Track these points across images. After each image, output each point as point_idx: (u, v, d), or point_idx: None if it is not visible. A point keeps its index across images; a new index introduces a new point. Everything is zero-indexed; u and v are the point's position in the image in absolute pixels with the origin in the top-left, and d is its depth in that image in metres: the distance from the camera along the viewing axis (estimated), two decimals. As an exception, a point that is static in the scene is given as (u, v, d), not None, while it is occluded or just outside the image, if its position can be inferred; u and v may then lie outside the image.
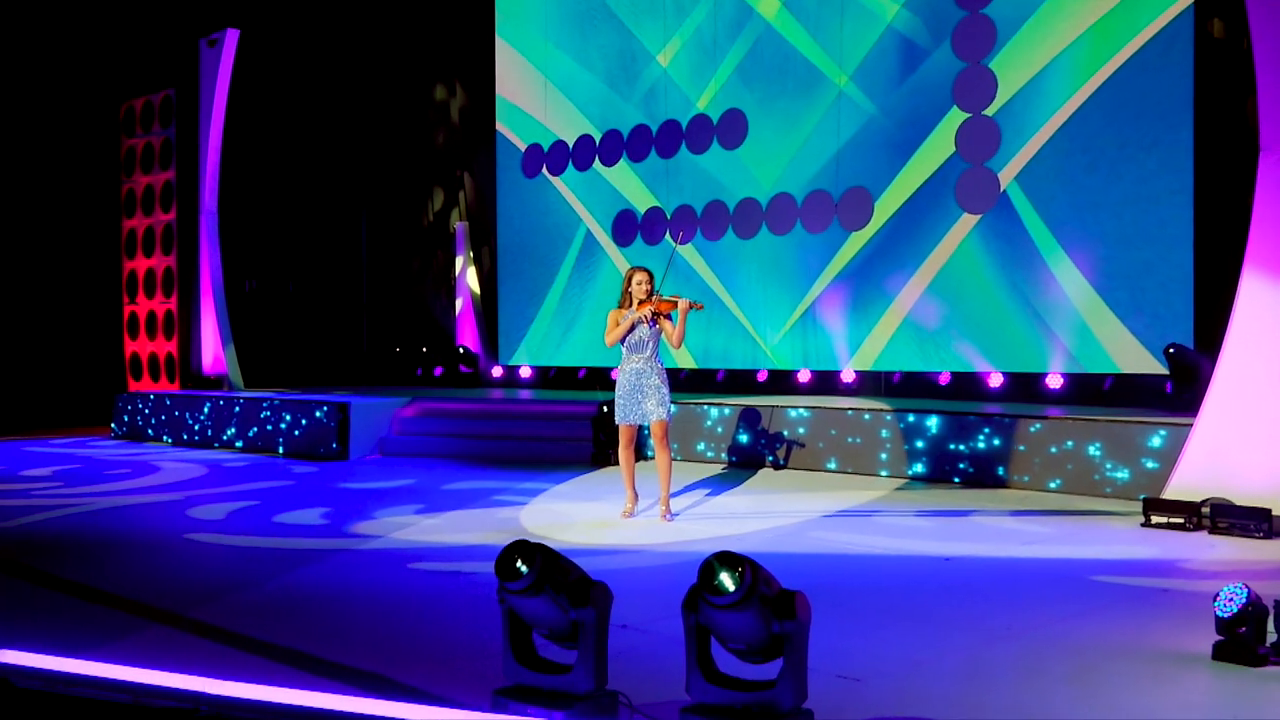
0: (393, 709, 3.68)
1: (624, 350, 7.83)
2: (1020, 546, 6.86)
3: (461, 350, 15.58)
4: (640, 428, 7.95)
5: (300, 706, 3.79)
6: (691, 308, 7.67)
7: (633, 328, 7.74)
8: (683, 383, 13.07)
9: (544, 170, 14.76)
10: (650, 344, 7.78)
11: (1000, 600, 5.53)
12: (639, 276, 7.82)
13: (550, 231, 14.74)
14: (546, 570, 3.57)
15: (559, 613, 3.60)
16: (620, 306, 7.89)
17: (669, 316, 7.78)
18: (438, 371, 16.02)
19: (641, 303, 7.74)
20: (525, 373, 15.09)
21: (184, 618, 5.22)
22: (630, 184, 13.91)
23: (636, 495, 8.00)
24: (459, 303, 15.78)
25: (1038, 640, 4.77)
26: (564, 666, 3.70)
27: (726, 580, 3.36)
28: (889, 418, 9.97)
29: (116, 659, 4.26)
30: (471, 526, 7.58)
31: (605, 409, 10.89)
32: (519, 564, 3.56)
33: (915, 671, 4.37)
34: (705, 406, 11.13)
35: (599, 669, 3.64)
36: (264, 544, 7.12)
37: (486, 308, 15.69)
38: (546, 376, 14.93)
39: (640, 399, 7.74)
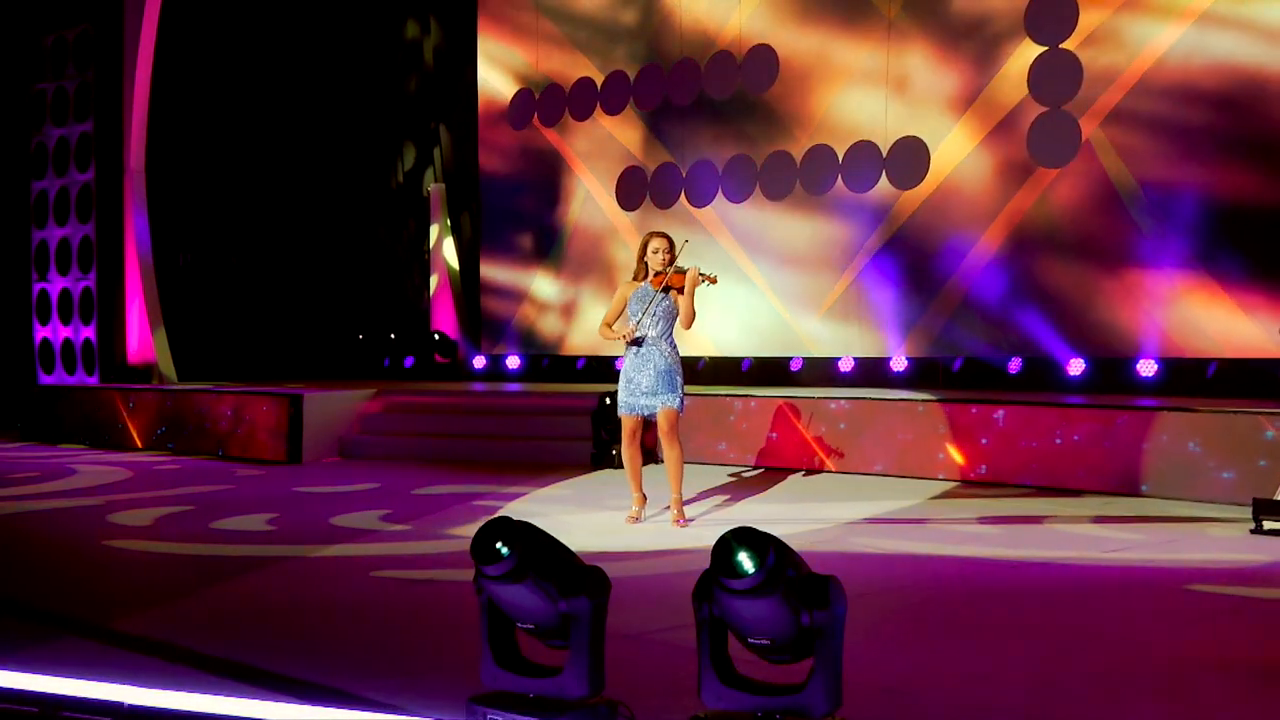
0: (348, 718, 3.71)
1: (631, 327, 7.86)
2: (1103, 553, 6.89)
3: (437, 337, 15.64)
4: (645, 421, 7.98)
5: (236, 718, 3.83)
6: (702, 280, 7.69)
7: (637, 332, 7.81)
8: (701, 373, 13.11)
9: (535, 121, 14.80)
10: (661, 322, 7.81)
11: (1077, 609, 5.58)
12: (656, 243, 7.85)
13: (543, 194, 14.78)
14: (531, 552, 3.59)
15: (546, 603, 3.62)
16: (635, 279, 7.93)
17: (681, 290, 7.80)
18: (408, 362, 16.06)
19: (657, 275, 7.75)
20: (513, 363, 15.13)
21: (103, 628, 5.26)
22: (638, 136, 13.95)
23: (645, 497, 8.03)
24: (434, 280, 15.84)
25: (1121, 651, 4.80)
26: (553, 669, 3.72)
27: (745, 560, 3.37)
28: (948, 411, 9.99)
29: (20, 669, 4.30)
30: (446, 533, 7.62)
31: (608, 401, 10.94)
32: (499, 545, 3.58)
33: (974, 685, 4.40)
34: (729, 400, 11.15)
35: (594, 671, 3.66)
36: (200, 551, 7.18)
37: (467, 286, 15.74)
38: (539, 367, 14.97)
39: (647, 385, 7.77)
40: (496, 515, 3.71)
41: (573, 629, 3.64)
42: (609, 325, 8.01)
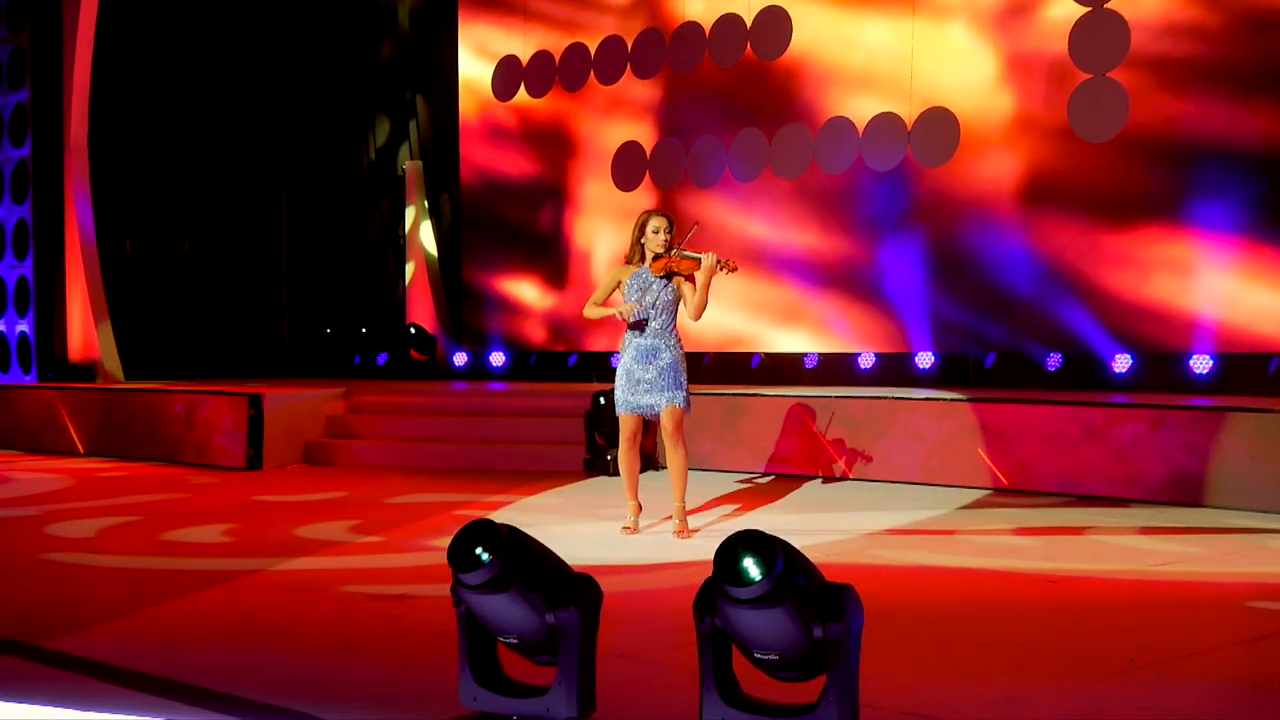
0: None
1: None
2: (1152, 566, 6.93)
3: (413, 331, 15.65)
4: (645, 422, 7.99)
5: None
6: (721, 268, 7.68)
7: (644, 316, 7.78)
8: (705, 370, 13.12)
9: (522, 91, 14.82)
10: (664, 312, 7.82)
11: (1123, 627, 5.60)
12: (655, 222, 7.84)
13: (531, 173, 14.79)
14: (515, 558, 3.61)
15: (532, 615, 3.65)
16: (628, 262, 7.93)
17: (690, 278, 7.80)
18: (381, 359, 16.08)
19: (657, 258, 7.73)
20: (498, 360, 15.15)
21: (41, 648, 5.28)
22: (636, 108, 13.96)
23: (640, 506, 8.04)
24: (410, 268, 15.86)
25: (1172, 674, 4.81)
26: (539, 688, 3.74)
27: (751, 566, 3.39)
28: (979, 412, 10.00)
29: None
30: (423, 545, 7.64)
31: (603, 401, 10.95)
32: (479, 550, 3.61)
33: (1006, 710, 4.41)
34: (737, 399, 11.16)
35: (584, 690, 3.68)
36: (148, 564, 7.21)
37: (447, 275, 15.75)
38: (526, 365, 14.99)
39: (648, 382, 7.77)
40: (476, 519, 3.72)
41: (561, 643, 3.66)
42: (605, 297, 7.96)
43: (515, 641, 3.73)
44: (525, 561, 3.64)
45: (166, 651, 5.25)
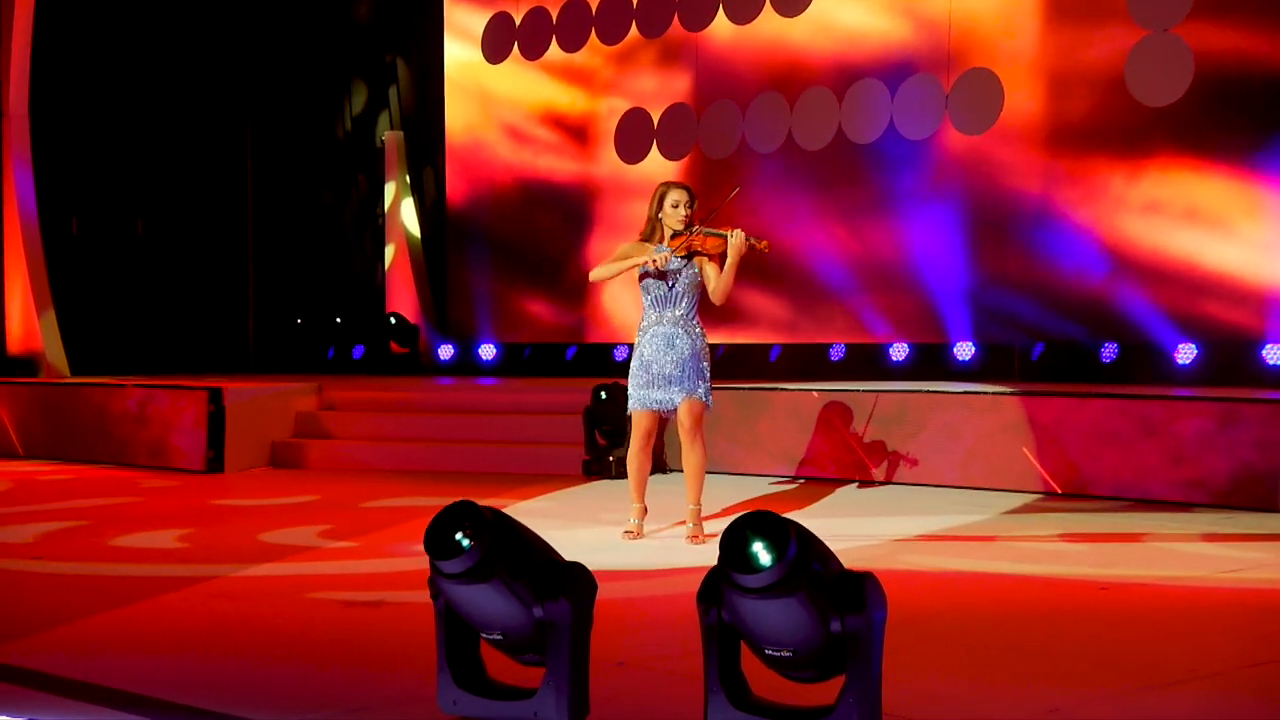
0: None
1: (645, 303, 7.89)
2: (1215, 573, 6.94)
3: (393, 320, 15.68)
4: (662, 419, 8.00)
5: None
6: (750, 247, 7.69)
7: (655, 273, 7.75)
8: (720, 362, 13.09)
9: (515, 52, 14.84)
10: (685, 296, 7.82)
11: (1180, 635, 5.61)
12: (675, 195, 7.83)
13: (524, 144, 14.81)
14: (499, 544, 3.64)
15: (517, 607, 3.67)
16: (644, 239, 7.89)
17: (715, 257, 7.79)
18: (358, 351, 16.11)
19: (676, 235, 7.72)
20: (487, 353, 15.18)
21: (-25, 657, 5.32)
22: (641, 71, 13.97)
23: (646, 509, 8.05)
24: (390, 251, 15.89)
25: (1233, 684, 4.83)
26: (525, 690, 3.76)
27: (761, 552, 3.42)
28: (1026, 407, 10.00)
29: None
30: (401, 550, 7.67)
31: (603, 396, 10.98)
32: (459, 535, 3.63)
33: (1048, 721, 4.44)
34: (755, 395, 11.17)
35: (575, 692, 3.70)
36: (95, 570, 7.25)
37: (431, 258, 15.78)
38: (518, 358, 15.02)
39: (667, 374, 7.77)
40: (457, 501, 3.74)
41: (550, 640, 3.69)
42: (615, 261, 7.90)
43: (499, 638, 3.76)
44: (510, 548, 3.67)
45: (115, 661, 5.27)
